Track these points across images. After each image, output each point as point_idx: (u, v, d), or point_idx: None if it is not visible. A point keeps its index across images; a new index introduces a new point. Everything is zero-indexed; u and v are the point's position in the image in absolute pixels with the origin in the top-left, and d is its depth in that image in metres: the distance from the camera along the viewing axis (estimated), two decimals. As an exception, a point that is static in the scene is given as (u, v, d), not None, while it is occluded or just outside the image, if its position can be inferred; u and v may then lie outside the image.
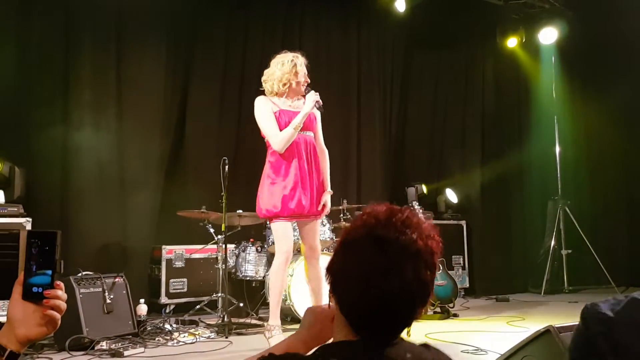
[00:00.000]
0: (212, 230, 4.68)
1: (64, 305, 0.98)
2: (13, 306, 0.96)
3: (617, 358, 0.88)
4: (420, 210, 5.44)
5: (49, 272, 0.96)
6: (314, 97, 3.46)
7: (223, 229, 4.37)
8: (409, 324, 1.04)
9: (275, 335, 3.42)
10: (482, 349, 3.47)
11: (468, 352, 3.46)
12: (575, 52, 7.00)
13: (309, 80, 3.57)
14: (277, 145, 3.44)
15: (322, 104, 3.51)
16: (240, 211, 4.58)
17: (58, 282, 0.98)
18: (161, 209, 5.23)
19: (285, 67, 3.52)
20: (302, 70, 3.55)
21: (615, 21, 6.48)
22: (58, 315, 0.97)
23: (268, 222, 4.67)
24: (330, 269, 1.06)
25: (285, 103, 3.56)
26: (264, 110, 3.50)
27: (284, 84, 3.51)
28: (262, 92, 3.63)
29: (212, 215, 4.57)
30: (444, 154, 6.93)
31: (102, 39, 5.07)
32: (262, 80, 3.63)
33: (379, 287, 0.98)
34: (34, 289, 0.96)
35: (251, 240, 4.85)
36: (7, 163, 4.33)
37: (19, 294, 0.96)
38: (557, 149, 7.02)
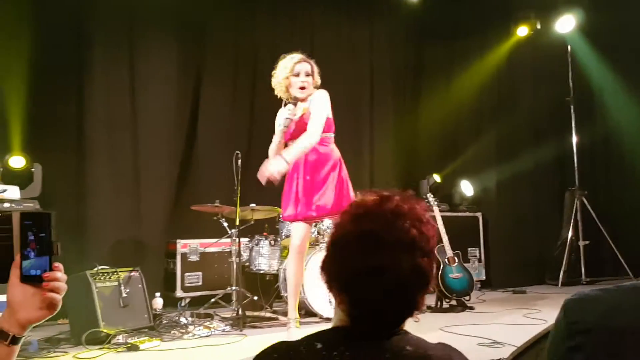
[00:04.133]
0: (225, 224, 4.69)
1: (64, 287, 0.98)
2: (12, 290, 0.95)
3: None
4: (435, 203, 5.40)
5: (47, 255, 0.95)
6: (285, 114, 3.46)
7: (237, 222, 4.38)
8: (410, 314, 1.00)
9: (292, 328, 3.44)
10: (498, 341, 3.44)
11: (484, 345, 3.43)
12: (592, 40, 6.87)
13: (305, 80, 3.49)
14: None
15: (288, 123, 3.45)
16: (254, 205, 4.58)
17: (56, 264, 0.97)
18: (175, 203, 5.26)
19: (279, 74, 3.53)
20: (290, 73, 3.48)
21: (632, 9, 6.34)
22: (58, 297, 0.96)
23: (280, 216, 4.70)
24: (323, 268, 1.03)
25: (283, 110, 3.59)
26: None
27: (284, 92, 3.55)
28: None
29: (225, 209, 4.58)
30: (459, 146, 6.86)
31: (114, 37, 5.10)
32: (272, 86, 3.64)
33: (374, 286, 0.94)
34: (32, 272, 0.95)
35: (264, 233, 4.85)
36: (30, 160, 4.37)
37: (17, 277, 0.95)
38: (574, 139, 6.91)
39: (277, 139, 3.54)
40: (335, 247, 1.00)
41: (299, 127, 3.46)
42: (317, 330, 1.03)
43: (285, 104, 3.50)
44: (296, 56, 3.54)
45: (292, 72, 3.47)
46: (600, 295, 0.89)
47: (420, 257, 0.96)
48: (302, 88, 3.48)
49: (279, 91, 3.57)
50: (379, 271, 0.94)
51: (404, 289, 0.96)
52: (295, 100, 3.49)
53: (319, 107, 3.45)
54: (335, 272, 1.00)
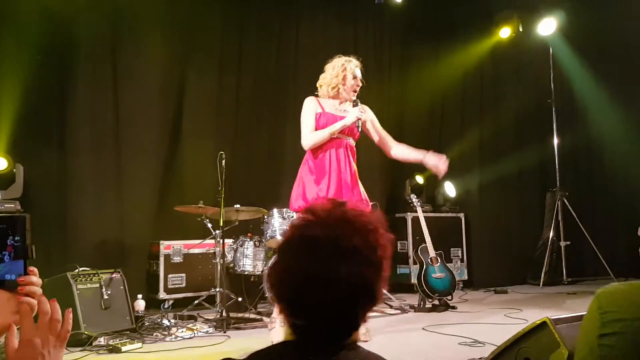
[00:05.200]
0: (209, 225, 4.67)
1: (39, 291, 0.97)
2: None
3: None
4: (418, 203, 5.44)
5: (22, 259, 0.95)
6: (357, 113, 3.51)
7: (221, 223, 4.36)
8: (351, 326, 0.95)
9: (276, 327, 3.44)
10: (479, 340, 3.48)
11: (466, 344, 3.47)
12: (574, 42, 6.97)
13: (359, 85, 3.63)
14: (306, 141, 3.55)
15: (359, 124, 3.56)
16: (238, 206, 4.57)
17: (31, 268, 0.96)
18: (159, 204, 5.22)
19: (334, 72, 3.61)
20: (351, 75, 3.60)
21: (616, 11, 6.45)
22: (34, 302, 0.95)
23: (266, 217, 4.69)
24: (268, 275, 1.01)
25: (333, 106, 3.64)
26: (307, 110, 3.62)
27: (333, 88, 3.61)
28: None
29: (209, 210, 4.56)
30: (443, 146, 6.90)
31: (97, 37, 5.03)
32: (317, 85, 3.71)
33: (311, 294, 0.91)
34: (7, 276, 0.95)
35: (249, 234, 4.84)
36: (11, 160, 4.31)
37: None
38: (556, 140, 7.01)
39: (332, 131, 3.51)
40: (279, 254, 0.98)
41: (351, 127, 3.57)
42: None
43: (354, 105, 3.58)
44: (355, 60, 3.67)
45: (352, 74, 3.59)
46: (631, 288, 0.92)
47: (364, 267, 0.92)
48: (355, 92, 3.62)
49: (329, 87, 3.62)
50: (315, 279, 0.91)
51: (342, 298, 0.91)
52: (356, 102, 3.58)
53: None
54: (274, 280, 0.97)
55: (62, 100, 4.86)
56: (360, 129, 3.59)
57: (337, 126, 3.50)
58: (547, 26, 6.78)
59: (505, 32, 6.85)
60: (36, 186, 4.60)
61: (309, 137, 3.53)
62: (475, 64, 6.99)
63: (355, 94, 3.62)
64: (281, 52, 6.05)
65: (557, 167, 6.95)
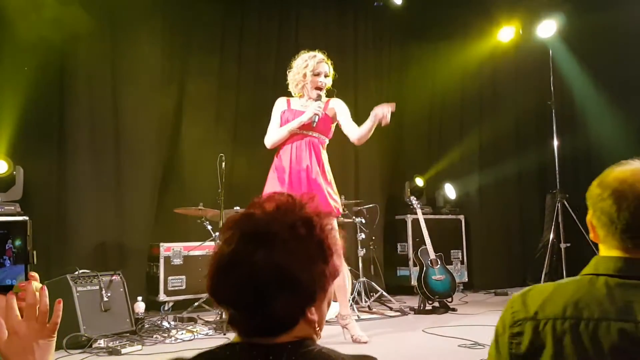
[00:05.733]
0: (209, 227, 4.67)
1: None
2: None
3: None
4: (418, 205, 5.44)
5: (23, 264, 0.95)
6: (314, 109, 3.52)
7: (220, 225, 4.36)
8: (288, 322, 0.90)
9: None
10: (479, 343, 3.47)
11: (466, 347, 3.46)
12: (574, 44, 6.97)
13: (322, 81, 3.58)
14: (267, 140, 3.65)
15: (317, 119, 3.53)
16: (238, 208, 4.57)
17: (32, 273, 0.96)
18: (158, 206, 5.22)
19: (296, 70, 3.62)
20: (311, 72, 3.56)
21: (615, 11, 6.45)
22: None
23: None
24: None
25: (299, 103, 3.67)
26: (274, 109, 3.72)
27: (296, 86, 3.64)
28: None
29: (209, 212, 4.56)
30: (442, 148, 6.91)
31: (96, 38, 5.03)
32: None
33: (227, 279, 0.88)
34: (8, 281, 0.95)
35: (249, 236, 4.83)
36: (11, 163, 4.31)
37: None
38: (556, 142, 7.00)
39: (290, 128, 3.56)
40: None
41: (323, 122, 3.57)
42: None
43: (316, 100, 3.56)
44: (318, 55, 3.62)
45: (313, 71, 3.55)
46: (541, 289, 1.09)
47: (283, 256, 0.87)
48: (320, 89, 3.59)
49: (294, 86, 3.65)
50: (229, 263, 0.88)
51: (257, 286, 0.87)
52: (319, 97, 3.57)
53: (349, 113, 3.70)
54: (208, 271, 0.94)
55: (61, 103, 4.86)
56: (315, 124, 3.53)
57: (294, 123, 3.54)
58: (547, 28, 6.78)
59: (505, 35, 6.85)
60: (36, 188, 4.60)
61: (269, 135, 3.63)
62: (474, 65, 6.99)
63: (320, 91, 3.58)
64: (281, 53, 6.05)
65: (557, 169, 6.94)
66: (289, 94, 3.79)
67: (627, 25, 6.51)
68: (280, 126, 3.61)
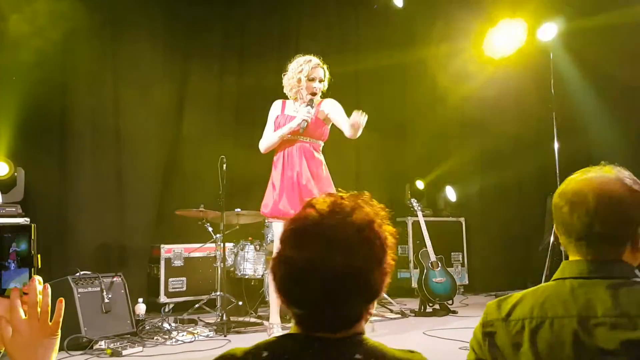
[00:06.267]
0: (210, 229, 4.67)
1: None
2: None
3: None
4: (419, 208, 5.44)
5: (27, 268, 0.95)
6: (303, 114, 3.52)
7: (221, 227, 4.37)
8: (353, 318, 0.95)
9: (275, 333, 3.44)
10: (481, 345, 3.47)
11: (466, 349, 3.46)
12: (574, 47, 6.98)
13: (317, 86, 3.59)
14: (260, 145, 3.71)
15: (305, 125, 3.53)
16: (239, 210, 4.58)
17: (35, 277, 0.97)
18: (159, 207, 5.23)
19: (291, 74, 3.64)
20: (305, 77, 3.57)
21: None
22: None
23: (266, 221, 4.70)
24: (270, 268, 1.01)
25: (292, 108, 3.68)
26: (270, 113, 3.75)
27: (291, 90, 3.65)
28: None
29: (210, 214, 4.57)
30: (443, 150, 6.92)
31: (98, 36, 5.06)
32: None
33: (303, 284, 0.92)
34: (12, 285, 0.95)
35: (250, 238, 4.85)
36: (13, 165, 4.32)
37: None
38: (556, 144, 7.01)
39: (280, 134, 3.59)
40: (279, 245, 0.99)
41: (314, 126, 3.58)
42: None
43: (307, 105, 3.55)
44: (314, 60, 3.63)
45: (307, 76, 3.56)
46: (515, 295, 1.22)
47: (355, 258, 0.92)
48: (314, 94, 3.60)
49: (288, 90, 3.66)
50: (305, 268, 0.92)
51: (332, 288, 0.91)
52: (311, 102, 3.57)
53: (342, 111, 3.66)
54: (272, 270, 0.97)
55: (62, 104, 4.87)
56: (302, 130, 3.53)
57: (284, 129, 3.56)
58: (548, 32, 6.79)
59: (506, 38, 6.85)
60: (38, 190, 4.61)
61: (262, 140, 3.68)
62: (476, 67, 6.99)
63: (314, 96, 3.59)
64: (282, 56, 6.05)
65: (557, 171, 6.94)
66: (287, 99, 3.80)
67: (628, 27, 6.52)
68: (274, 131, 3.64)
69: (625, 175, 1.20)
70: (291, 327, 0.99)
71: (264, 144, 3.69)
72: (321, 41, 6.28)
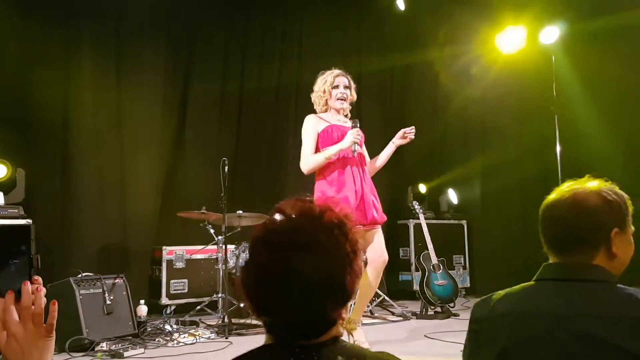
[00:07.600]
0: (212, 231, 4.68)
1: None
2: None
3: None
4: (420, 210, 5.44)
5: (27, 269, 0.96)
6: (353, 137, 3.42)
7: (223, 229, 4.37)
8: (328, 323, 0.92)
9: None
10: (482, 348, 3.46)
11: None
12: (576, 51, 6.98)
13: (344, 92, 3.59)
14: (304, 167, 3.50)
15: (357, 147, 3.45)
16: (240, 212, 4.58)
17: (36, 277, 0.97)
18: (161, 209, 5.24)
19: (319, 90, 3.63)
20: (330, 87, 3.58)
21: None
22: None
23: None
24: (239, 276, 1.00)
25: (334, 117, 3.64)
26: (306, 129, 3.57)
27: (319, 103, 3.64)
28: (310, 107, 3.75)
29: (212, 216, 4.57)
30: (446, 154, 6.92)
31: (101, 42, 5.08)
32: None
33: (273, 290, 0.90)
34: (12, 286, 0.95)
35: (251, 240, 4.84)
36: (12, 166, 4.33)
37: None
38: (558, 148, 7.00)
39: (327, 155, 3.45)
40: (249, 251, 0.97)
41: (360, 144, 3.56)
42: None
43: (353, 126, 3.48)
44: (335, 70, 3.65)
45: (331, 85, 3.58)
46: (497, 296, 1.36)
47: (326, 261, 0.90)
48: (342, 100, 3.59)
49: (318, 105, 3.65)
50: (274, 273, 0.90)
51: (303, 293, 0.89)
52: (355, 123, 3.49)
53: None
54: (241, 278, 0.95)
55: (64, 105, 4.89)
56: (355, 153, 3.47)
57: (332, 150, 3.43)
58: (550, 35, 6.79)
59: (508, 41, 6.85)
60: (39, 191, 4.63)
61: (307, 161, 3.49)
62: (478, 70, 6.99)
63: (343, 102, 3.59)
64: (284, 59, 6.08)
65: (559, 174, 6.93)
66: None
67: (629, 30, 6.51)
68: (331, 142, 3.50)
69: (606, 187, 1.34)
70: (265, 337, 0.96)
71: (309, 166, 3.48)
72: (324, 45, 6.29)
